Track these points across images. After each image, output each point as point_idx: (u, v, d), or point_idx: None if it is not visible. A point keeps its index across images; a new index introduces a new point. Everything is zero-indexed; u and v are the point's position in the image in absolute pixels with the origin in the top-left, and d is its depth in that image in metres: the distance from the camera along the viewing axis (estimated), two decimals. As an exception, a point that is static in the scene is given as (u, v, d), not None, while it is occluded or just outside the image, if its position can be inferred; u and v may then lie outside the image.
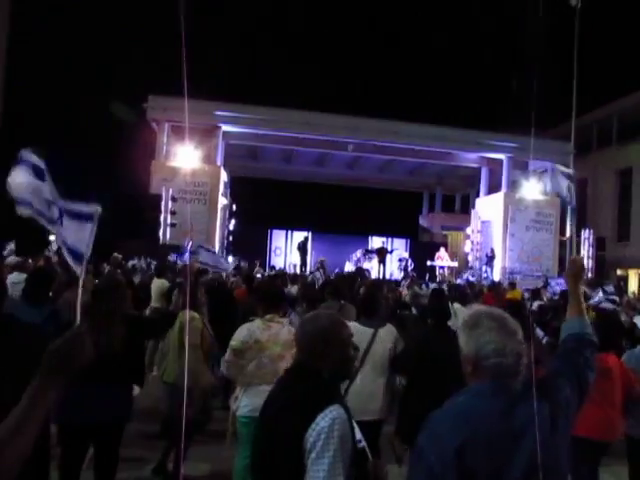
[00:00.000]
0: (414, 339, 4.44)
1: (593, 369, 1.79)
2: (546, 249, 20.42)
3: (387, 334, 4.20)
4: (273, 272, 14.56)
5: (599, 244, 20.24)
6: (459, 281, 16.32)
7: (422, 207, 31.29)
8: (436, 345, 3.89)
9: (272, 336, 3.83)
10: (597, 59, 25.92)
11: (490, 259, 20.49)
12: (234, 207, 21.40)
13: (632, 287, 23.90)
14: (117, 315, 3.41)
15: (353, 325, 4.22)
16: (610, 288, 10.12)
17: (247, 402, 3.79)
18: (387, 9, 41.64)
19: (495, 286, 9.83)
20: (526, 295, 11.11)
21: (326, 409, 1.74)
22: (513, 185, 21.09)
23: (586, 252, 19.55)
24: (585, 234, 20.00)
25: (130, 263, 11.37)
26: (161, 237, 16.14)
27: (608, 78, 27.45)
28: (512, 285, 11.93)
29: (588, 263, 19.45)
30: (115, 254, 10.56)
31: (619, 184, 27.08)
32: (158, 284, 7.75)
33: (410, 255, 23.49)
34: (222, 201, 19.78)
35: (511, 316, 1.71)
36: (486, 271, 20.27)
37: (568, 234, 20.29)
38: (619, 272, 24.89)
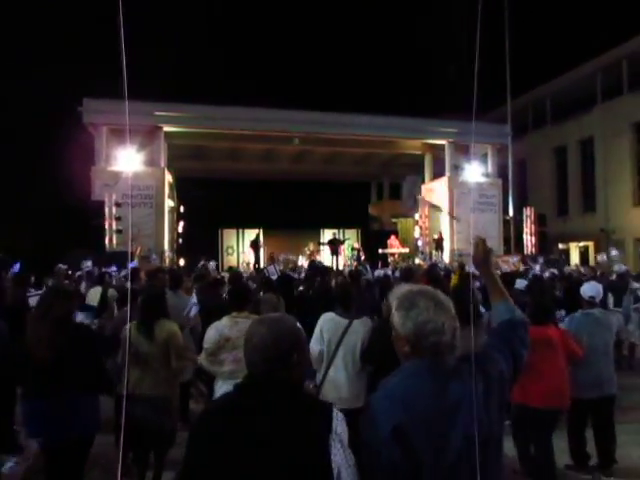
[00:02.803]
0: (374, 328, 4.51)
1: (527, 346, 1.82)
2: (491, 229, 21.05)
3: (361, 326, 4.29)
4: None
5: (540, 220, 21.07)
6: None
7: (370, 196, 31.68)
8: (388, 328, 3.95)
9: (241, 331, 3.78)
10: (529, 42, 26.88)
11: (439, 243, 20.95)
12: (182, 209, 21.03)
13: (574, 259, 25.07)
14: (63, 324, 3.38)
15: (330, 316, 4.36)
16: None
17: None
18: (327, 1, 41.73)
19: (430, 268, 9.92)
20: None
21: (333, 415, 1.63)
22: (456, 169, 21.63)
23: (528, 229, 20.30)
24: (527, 212, 20.76)
25: (78, 273, 11.02)
26: (107, 244, 15.69)
27: (540, 60, 28.54)
28: (462, 267, 11.89)
29: (531, 239, 20.20)
30: (59, 265, 10.19)
31: (556, 162, 28.27)
32: (99, 292, 7.26)
33: (362, 244, 23.77)
34: (169, 203, 19.41)
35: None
36: (437, 255, 20.72)
37: (511, 214, 21.06)
38: (561, 246, 26.05)
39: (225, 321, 4.02)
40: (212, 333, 3.97)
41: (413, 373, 1.59)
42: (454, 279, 9.57)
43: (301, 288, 8.36)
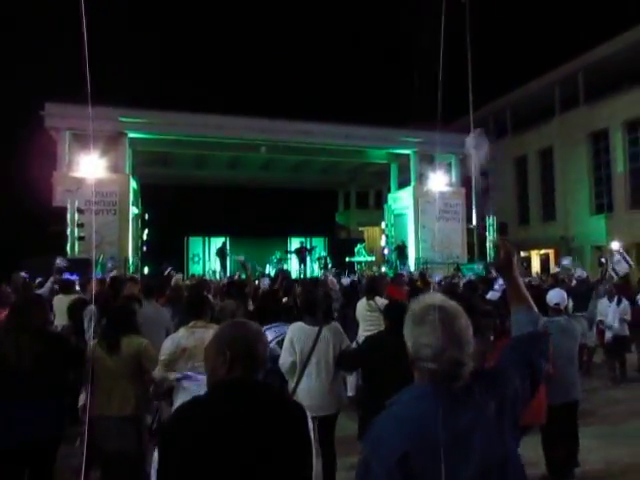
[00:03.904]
0: (369, 338, 4.50)
1: (547, 358, 1.73)
2: (455, 237, 21.46)
3: (331, 332, 4.32)
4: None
5: (502, 229, 21.50)
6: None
7: (338, 205, 31.88)
8: (392, 344, 3.89)
9: (198, 341, 3.75)
10: (489, 54, 27.61)
11: (401, 251, 21.13)
12: (147, 216, 20.70)
13: (535, 267, 25.72)
14: (31, 331, 3.41)
15: (299, 325, 4.35)
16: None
17: None
18: (295, 12, 41.97)
19: (396, 277, 9.94)
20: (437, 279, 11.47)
21: (309, 419, 1.71)
22: (421, 178, 21.94)
23: (491, 237, 20.69)
24: (489, 220, 21.18)
25: (37, 281, 10.65)
26: (69, 252, 15.30)
27: (500, 72, 29.35)
28: (422, 276, 11.62)
29: (494, 247, 20.57)
30: (17, 273, 9.83)
31: (516, 171, 29.00)
32: (64, 301, 6.94)
33: (329, 253, 23.84)
34: (133, 210, 19.09)
35: None
36: (403, 263, 20.89)
37: (474, 222, 21.47)
38: (522, 254, 26.67)
39: (182, 332, 3.95)
40: (169, 344, 3.89)
41: (419, 395, 1.49)
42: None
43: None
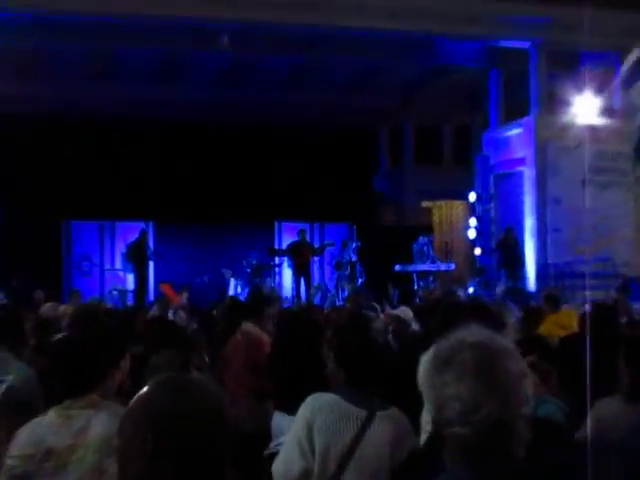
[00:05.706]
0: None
1: None
2: (620, 221, 20.95)
3: (390, 424, 4.36)
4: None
5: None
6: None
7: (379, 156, 31.50)
8: None
9: (77, 437, 3.89)
10: None
11: (509, 250, 20.85)
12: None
13: None
14: None
15: (328, 400, 4.38)
16: None
17: None
18: None
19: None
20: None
21: None
22: (551, 101, 21.56)
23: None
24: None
25: None
26: None
27: None
28: (552, 302, 11.42)
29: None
30: None
31: None
32: None
33: (361, 255, 23.54)
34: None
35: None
36: (513, 275, 20.68)
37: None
38: None
39: (51, 416, 4.04)
40: (24, 439, 3.97)
41: None
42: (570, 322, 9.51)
43: None
